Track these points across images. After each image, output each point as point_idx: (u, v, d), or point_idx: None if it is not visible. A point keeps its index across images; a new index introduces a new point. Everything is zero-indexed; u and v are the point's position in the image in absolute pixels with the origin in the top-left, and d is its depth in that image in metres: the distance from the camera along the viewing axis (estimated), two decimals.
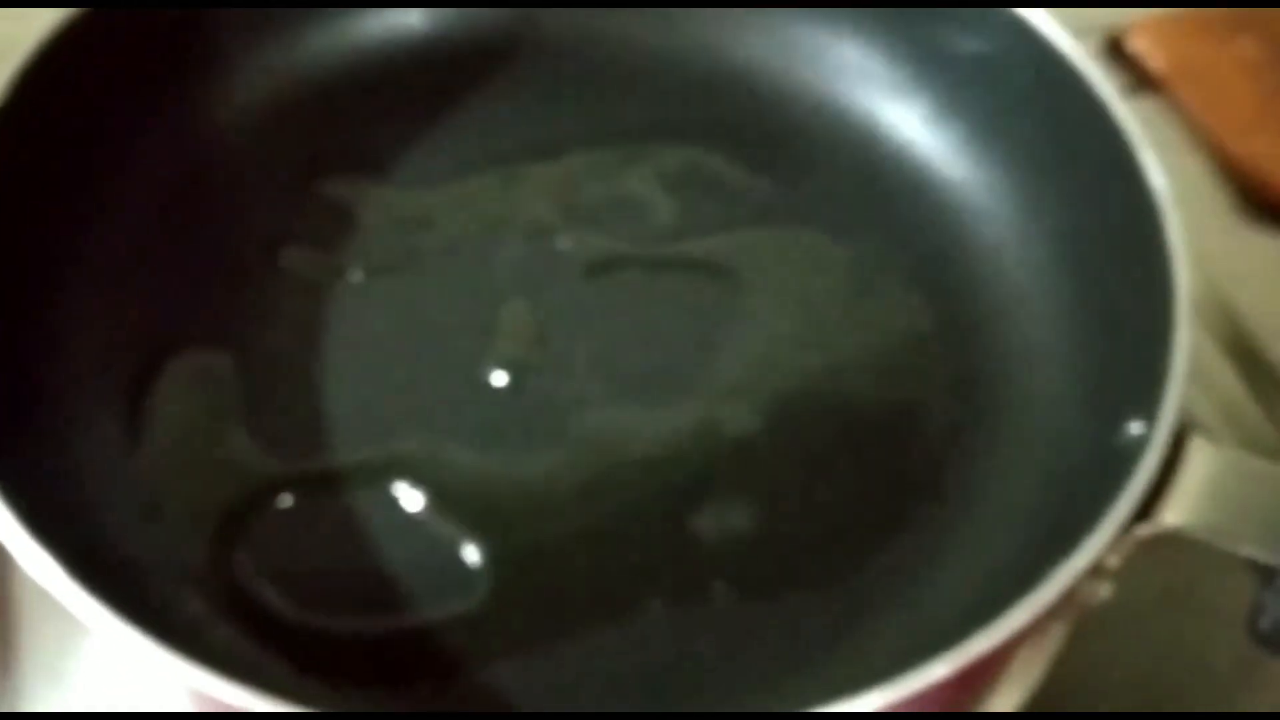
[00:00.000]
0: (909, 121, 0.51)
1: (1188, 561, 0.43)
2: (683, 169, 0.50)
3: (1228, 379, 0.53)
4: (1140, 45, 0.61)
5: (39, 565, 0.34)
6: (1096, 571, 0.36)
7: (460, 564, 0.41)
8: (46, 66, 0.43)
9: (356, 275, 0.47)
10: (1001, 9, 0.47)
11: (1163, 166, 0.42)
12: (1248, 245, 0.58)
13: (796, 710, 0.33)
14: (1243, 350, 0.54)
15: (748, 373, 0.45)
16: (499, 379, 0.45)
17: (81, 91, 0.45)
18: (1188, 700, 0.44)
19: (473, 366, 0.45)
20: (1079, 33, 0.46)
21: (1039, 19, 0.46)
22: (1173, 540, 0.37)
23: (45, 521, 0.35)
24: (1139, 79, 0.60)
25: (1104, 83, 0.45)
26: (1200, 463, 0.37)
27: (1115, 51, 0.61)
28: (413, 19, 0.52)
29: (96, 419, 0.43)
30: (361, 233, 0.48)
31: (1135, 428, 0.38)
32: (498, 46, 0.52)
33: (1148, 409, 0.38)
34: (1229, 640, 0.39)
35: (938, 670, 0.33)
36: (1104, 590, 0.37)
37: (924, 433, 0.44)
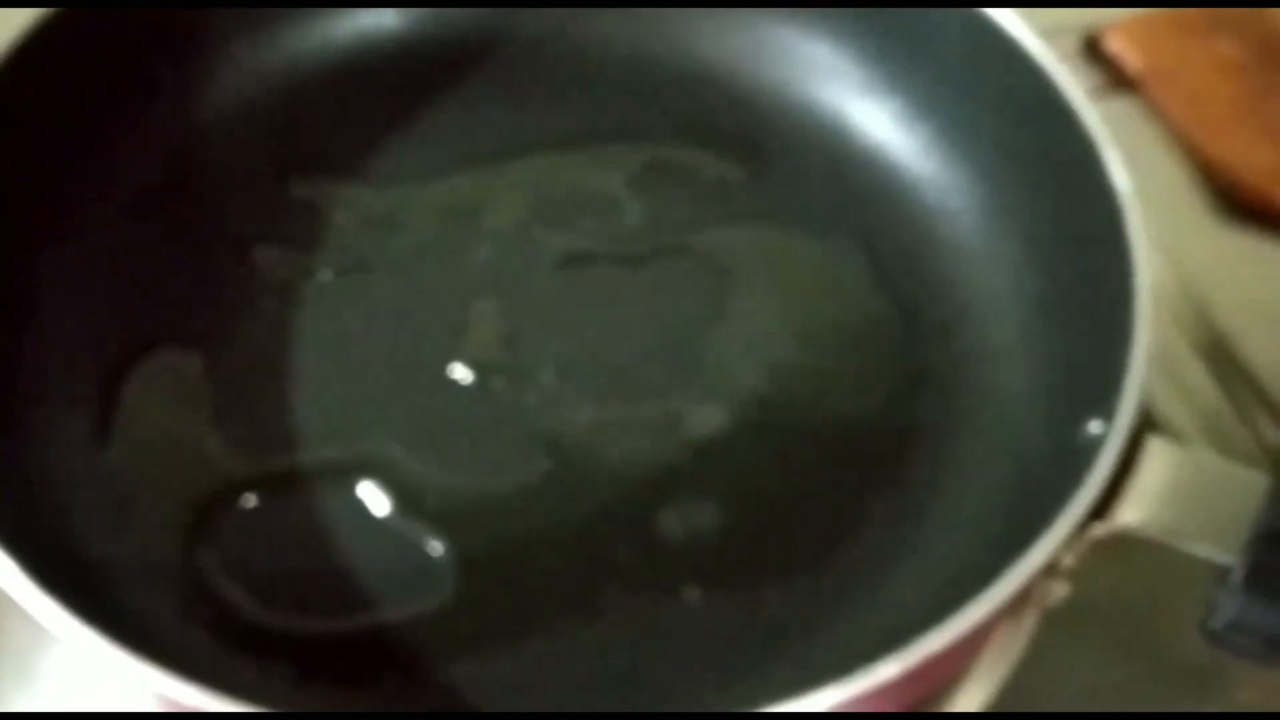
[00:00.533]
0: (878, 121, 0.51)
1: (1149, 562, 0.43)
2: (652, 167, 0.51)
3: (1201, 379, 0.53)
4: (1117, 45, 0.61)
5: (3, 570, 0.34)
6: (1053, 571, 0.36)
7: (425, 563, 0.42)
8: (19, 67, 0.43)
9: (327, 275, 0.47)
10: (970, 10, 0.47)
11: (1137, 167, 0.42)
12: (1223, 245, 0.58)
13: (755, 710, 0.33)
14: (1216, 350, 0.54)
15: (713, 371, 0.46)
16: (466, 378, 0.45)
17: (53, 92, 0.45)
18: (1151, 701, 0.44)
19: (441, 366, 0.45)
20: (1055, 32, 0.47)
21: (1007, 20, 0.46)
22: (1133, 541, 0.37)
23: (10, 524, 0.35)
24: (1116, 79, 0.60)
25: (1070, 83, 0.45)
26: (1157, 463, 0.38)
27: (1093, 51, 0.61)
28: (386, 19, 0.52)
29: (65, 419, 0.43)
30: (332, 232, 0.48)
31: (1095, 427, 0.39)
32: (471, 46, 0.52)
33: (1106, 408, 0.38)
34: (1190, 641, 0.39)
35: (888, 670, 0.33)
36: (1060, 590, 0.37)
37: (887, 430, 0.45)
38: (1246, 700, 0.44)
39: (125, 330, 0.45)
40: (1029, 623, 0.42)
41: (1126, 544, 0.38)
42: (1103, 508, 0.37)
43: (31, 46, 0.44)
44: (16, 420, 0.42)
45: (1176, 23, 0.62)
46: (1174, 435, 0.39)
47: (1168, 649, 0.44)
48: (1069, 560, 0.37)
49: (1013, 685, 0.42)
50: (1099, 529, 0.37)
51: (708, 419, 0.45)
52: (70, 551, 0.40)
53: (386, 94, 0.51)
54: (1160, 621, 0.45)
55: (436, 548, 0.42)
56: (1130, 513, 0.37)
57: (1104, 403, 0.38)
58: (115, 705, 0.43)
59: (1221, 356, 0.54)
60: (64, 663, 0.44)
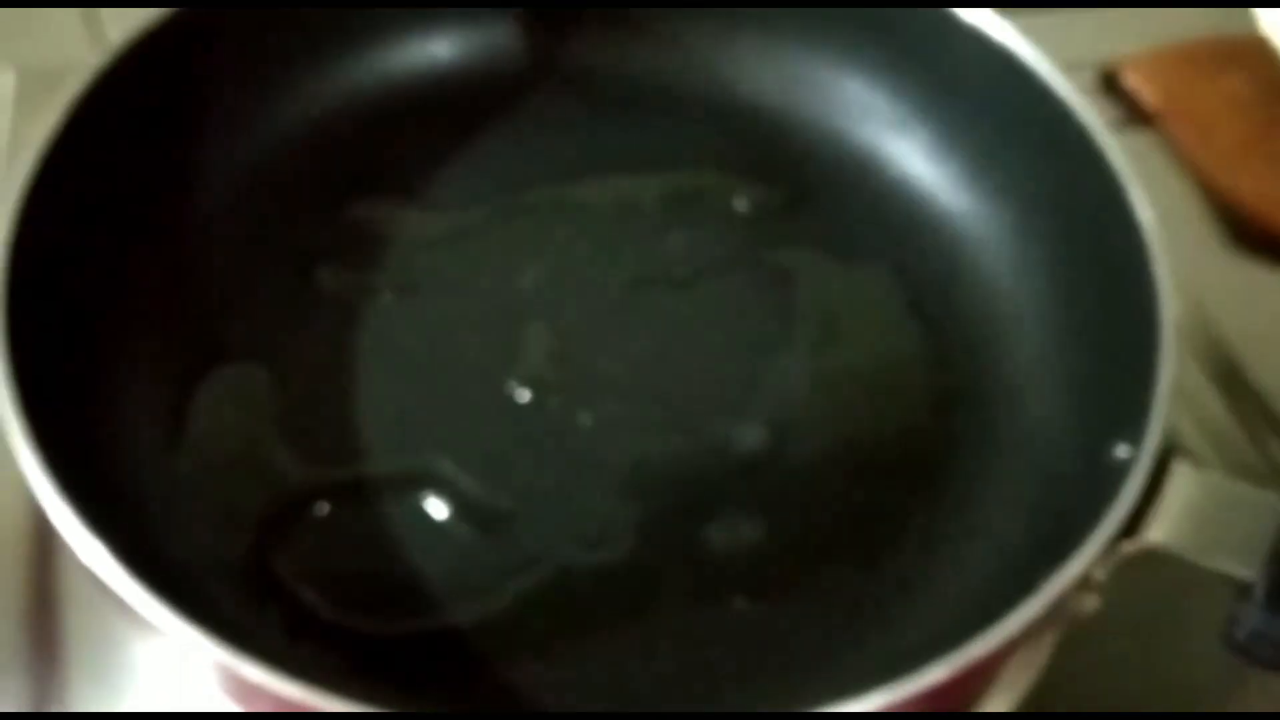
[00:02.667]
0: (910, 154, 0.53)
1: (1170, 577, 0.45)
2: (692, 195, 0.53)
3: (1214, 405, 0.55)
4: (1133, 80, 0.63)
5: (97, 561, 0.36)
6: (1085, 584, 0.38)
7: (485, 570, 0.44)
8: (95, 97, 0.45)
9: (386, 294, 0.49)
10: (996, 48, 0.49)
11: (1154, 198, 0.45)
12: (1235, 276, 0.60)
13: (805, 710, 0.35)
14: (1229, 377, 0.56)
15: (756, 391, 0.48)
16: (522, 397, 0.47)
17: (127, 118, 0.47)
18: (1169, 709, 0.46)
19: (497, 385, 0.47)
20: (1074, 68, 0.48)
21: (1033, 58, 0.49)
22: (1155, 556, 0.40)
23: (100, 521, 0.37)
24: (1132, 113, 0.63)
25: (1095, 119, 0.47)
26: (1182, 484, 0.40)
27: (1110, 86, 0.63)
28: (440, 49, 0.54)
29: (142, 427, 0.45)
30: (390, 253, 0.50)
31: (1122, 450, 0.41)
32: (518, 77, 0.54)
33: (1134, 433, 0.40)
34: (1211, 652, 0.41)
35: (936, 673, 0.35)
36: (1091, 602, 0.39)
37: (921, 449, 0.47)
38: (1262, 707, 0.46)
39: (195, 343, 0.47)
40: (1053, 634, 0.44)
41: (1151, 559, 0.40)
42: (1131, 526, 0.39)
43: (115, 70, 0.46)
44: (97, 424, 0.44)
45: (1189, 59, 0.65)
46: (1189, 457, 0.41)
47: (1191, 660, 0.46)
48: (1100, 574, 0.39)
49: (1036, 696, 0.44)
50: (1128, 546, 0.39)
51: (752, 437, 0.47)
52: (149, 548, 0.41)
53: (440, 121, 0.53)
54: (1183, 633, 0.47)
55: (497, 555, 0.44)
56: (1157, 531, 0.39)
57: (1131, 428, 0.40)
58: (186, 702, 0.45)
59: (1234, 382, 0.56)
60: (138, 660, 0.46)
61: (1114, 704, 0.45)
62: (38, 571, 0.47)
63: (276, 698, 0.35)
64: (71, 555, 0.37)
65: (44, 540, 0.47)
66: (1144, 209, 0.44)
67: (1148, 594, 0.44)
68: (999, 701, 0.44)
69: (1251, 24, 0.66)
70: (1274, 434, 0.54)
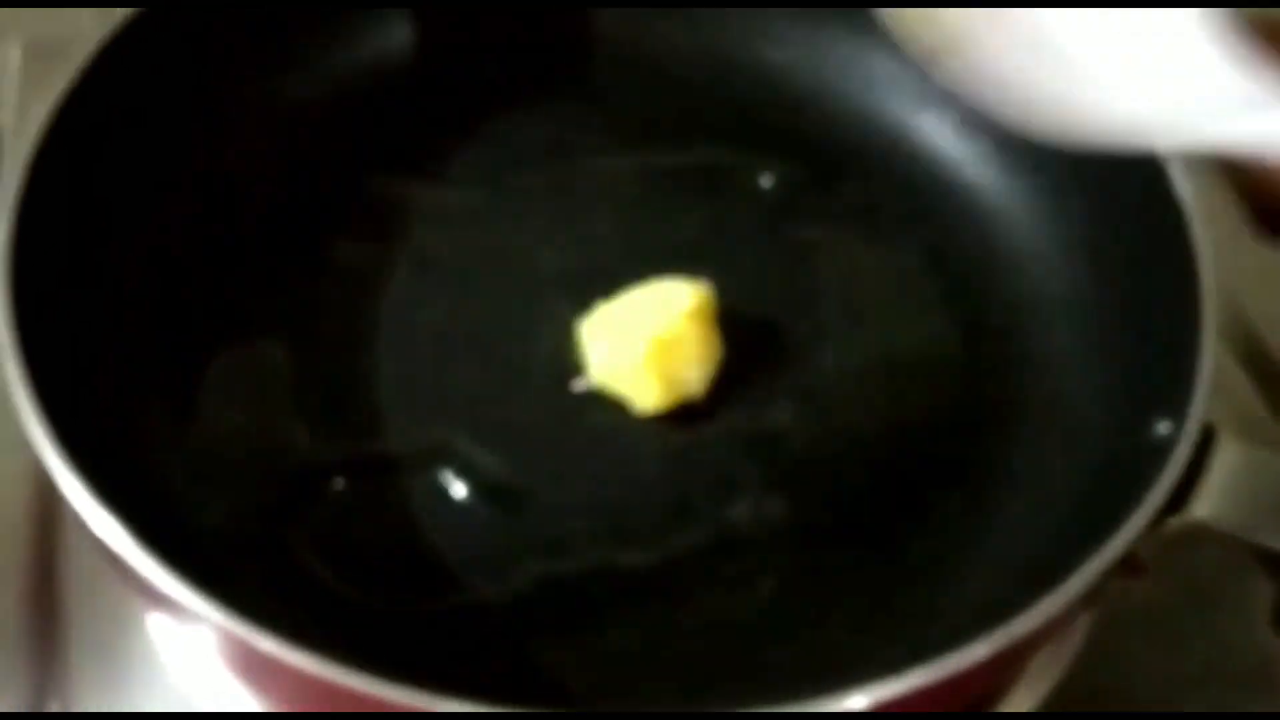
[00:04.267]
0: (940, 131, 0.52)
1: (1209, 562, 0.44)
2: (717, 169, 0.52)
3: (1244, 389, 0.54)
4: None
5: (112, 534, 0.35)
6: (1130, 562, 0.37)
7: (507, 547, 0.43)
8: (102, 69, 0.44)
9: (403, 269, 0.48)
10: None
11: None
12: (1262, 261, 0.59)
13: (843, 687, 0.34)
14: (1257, 361, 0.55)
15: (783, 371, 0.47)
16: (541, 375, 0.46)
17: (135, 90, 0.46)
18: (1209, 699, 0.45)
19: (514, 361, 0.46)
20: None
21: None
22: (1200, 533, 0.39)
23: (110, 493, 0.36)
24: None
25: None
26: (1226, 460, 0.39)
27: None
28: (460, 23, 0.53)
29: (155, 401, 0.44)
30: (408, 228, 0.49)
31: (1164, 427, 0.40)
32: (542, 50, 0.54)
33: (1176, 410, 0.39)
34: (1250, 639, 0.40)
35: (978, 650, 0.34)
36: (1139, 584, 0.38)
37: (954, 427, 0.46)
38: None
39: (209, 316, 0.46)
40: (1089, 619, 0.43)
41: (1189, 544, 0.39)
42: (1174, 503, 0.38)
43: (122, 41, 0.45)
44: (110, 399, 0.43)
45: None
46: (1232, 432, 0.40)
47: (1229, 648, 0.45)
48: (1144, 551, 0.38)
49: (1071, 681, 0.43)
50: (1173, 523, 0.38)
51: (779, 415, 0.46)
52: (164, 523, 0.40)
53: (457, 95, 0.52)
54: (1221, 621, 0.46)
55: (516, 533, 0.43)
56: (1202, 507, 0.38)
57: (1172, 404, 0.39)
58: (193, 697, 0.43)
59: (1263, 367, 0.55)
60: (144, 642, 0.44)
61: (1150, 696, 0.44)
62: (42, 554, 0.46)
63: (290, 673, 0.34)
64: (76, 538, 0.36)
65: (49, 522, 0.46)
66: (1183, 185, 0.44)
67: (1187, 581, 0.44)
68: (1031, 691, 0.43)
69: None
70: None
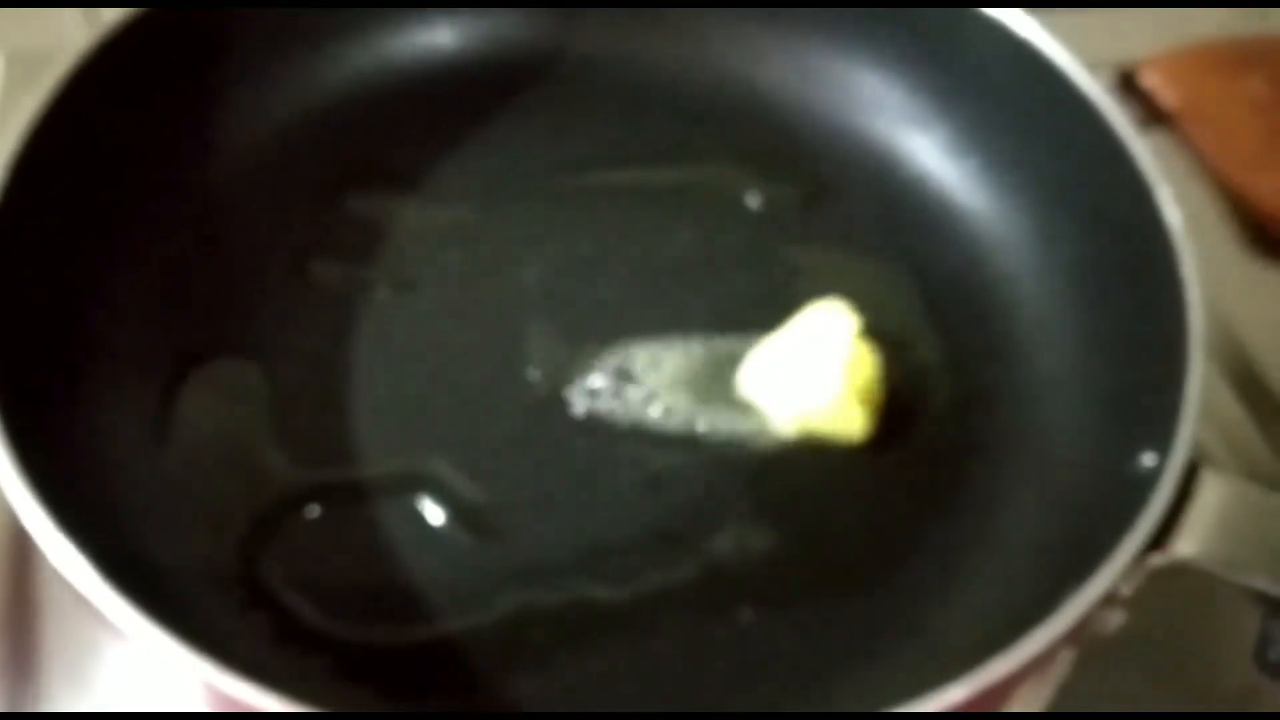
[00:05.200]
0: (927, 151, 0.52)
1: (1192, 594, 0.44)
2: (703, 189, 0.51)
3: (1232, 409, 0.54)
4: (1152, 81, 0.62)
5: (70, 565, 0.35)
6: (1110, 599, 0.37)
7: (486, 577, 0.42)
8: (85, 77, 0.44)
9: (384, 289, 0.48)
10: (1017, 42, 0.48)
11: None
12: (1254, 279, 0.59)
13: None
14: (1247, 381, 0.55)
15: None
16: (522, 398, 0.46)
17: (118, 101, 0.46)
18: None
19: (496, 383, 0.46)
20: (1090, 67, 0.47)
21: (1056, 53, 0.47)
22: (1178, 572, 0.38)
23: (76, 522, 0.35)
24: (1150, 113, 0.61)
25: (1120, 118, 0.46)
26: (1211, 495, 0.38)
27: (1127, 86, 0.62)
28: (443, 36, 0.53)
29: (125, 423, 0.43)
30: (388, 247, 0.49)
31: (1148, 459, 0.39)
32: (524, 66, 0.53)
33: (1160, 442, 0.39)
34: (1233, 671, 0.39)
35: (955, 693, 0.34)
36: (1117, 617, 0.38)
37: (937, 456, 0.45)
38: None
39: (182, 337, 0.46)
40: (1073, 650, 0.43)
41: (1173, 575, 0.39)
42: (1158, 539, 0.37)
43: (99, 57, 0.44)
44: (80, 423, 0.42)
45: (1207, 60, 0.63)
46: (1218, 466, 0.39)
47: (1212, 679, 0.45)
48: (1126, 589, 0.37)
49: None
50: (1156, 559, 0.37)
51: (762, 442, 0.45)
52: (130, 553, 0.40)
53: (443, 111, 0.52)
54: (1205, 652, 0.45)
55: (496, 562, 0.42)
56: (1186, 544, 0.38)
57: (1157, 436, 0.39)
58: (164, 706, 0.43)
59: (1253, 387, 0.55)
60: (114, 664, 0.44)
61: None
62: (15, 571, 0.46)
63: (259, 712, 0.33)
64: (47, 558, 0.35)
65: (21, 539, 0.45)
66: (1172, 211, 0.43)
67: (1170, 612, 0.43)
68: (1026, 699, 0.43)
69: (1271, 25, 0.65)
70: None
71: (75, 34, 0.45)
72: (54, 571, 0.35)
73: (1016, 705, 0.43)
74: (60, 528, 0.35)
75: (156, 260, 0.47)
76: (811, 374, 0.44)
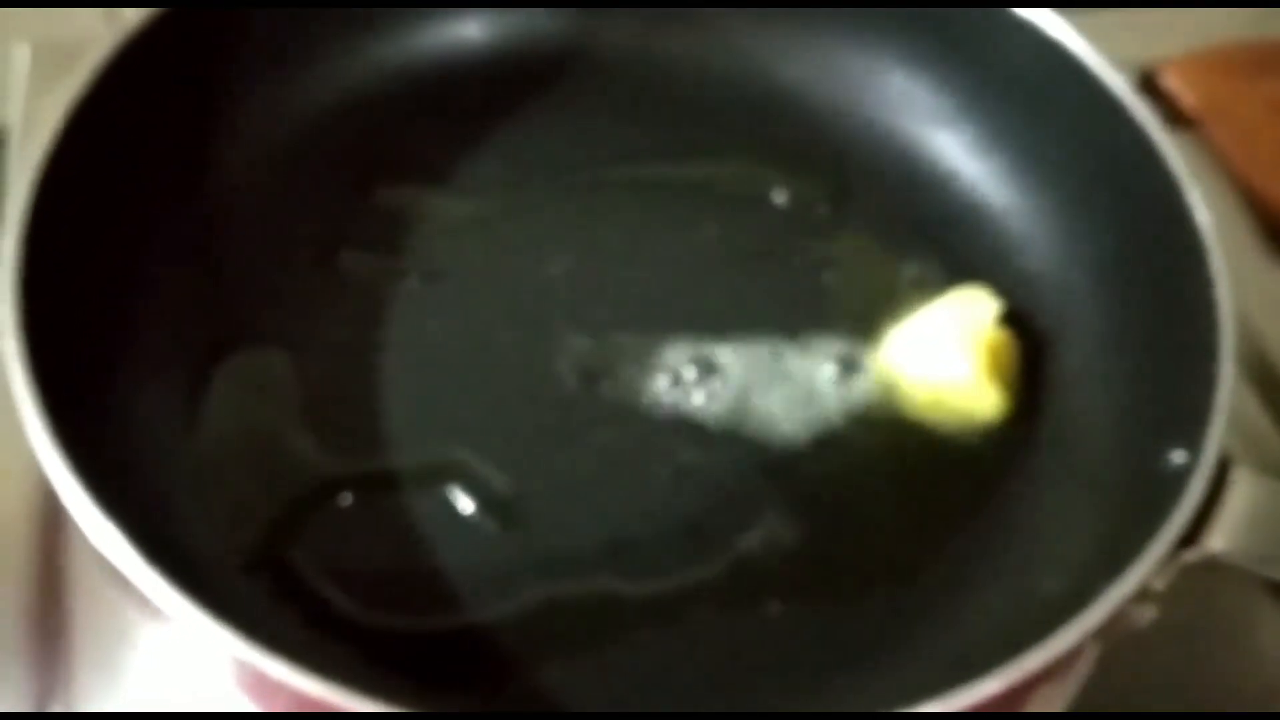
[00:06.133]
0: (954, 149, 0.52)
1: (1216, 594, 0.44)
2: (729, 186, 0.51)
3: (1252, 409, 0.54)
4: (1173, 83, 0.62)
5: (111, 546, 0.35)
6: (1143, 595, 0.37)
7: (515, 567, 0.42)
8: (114, 74, 0.44)
9: (413, 281, 0.48)
10: (1043, 40, 0.48)
11: None
12: (1274, 280, 0.59)
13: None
14: (1267, 383, 0.55)
15: (795, 388, 0.46)
16: (551, 390, 0.46)
17: (148, 96, 0.46)
18: None
19: (526, 375, 0.46)
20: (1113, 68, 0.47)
21: (1084, 52, 0.47)
22: (1213, 567, 0.38)
23: (113, 504, 0.36)
24: (1171, 115, 0.61)
25: (1148, 117, 0.46)
26: (1241, 492, 0.38)
27: (1149, 88, 0.62)
28: (470, 31, 0.53)
29: (159, 412, 0.43)
30: (416, 238, 0.49)
31: (1178, 456, 0.39)
32: (555, 60, 0.53)
33: (1191, 439, 0.39)
34: (1255, 671, 0.39)
35: (989, 686, 0.34)
36: (1149, 613, 0.38)
37: (965, 451, 0.46)
38: None
39: (215, 327, 0.46)
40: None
41: (1199, 572, 0.39)
42: (1190, 535, 0.37)
43: (133, 47, 0.45)
44: (115, 410, 0.42)
45: (1229, 62, 0.63)
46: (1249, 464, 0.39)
47: (1234, 680, 0.45)
48: (1159, 584, 0.37)
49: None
50: (1188, 555, 0.37)
51: (790, 438, 0.45)
52: (164, 537, 0.39)
53: (471, 104, 0.52)
54: (1226, 652, 0.45)
55: (524, 553, 0.42)
56: (1217, 540, 0.38)
57: (1188, 433, 0.39)
58: (195, 699, 0.43)
59: (1270, 386, 0.55)
60: (147, 650, 0.44)
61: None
62: (44, 557, 0.46)
63: (292, 694, 0.33)
64: (78, 542, 0.36)
65: (51, 526, 0.46)
66: (1201, 210, 0.43)
67: (1192, 613, 0.43)
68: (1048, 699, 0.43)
69: None
70: None
71: (100, 28, 0.45)
72: (85, 557, 0.35)
73: (1038, 703, 0.43)
74: (104, 512, 0.35)
75: (187, 252, 0.47)
76: (952, 350, 0.45)
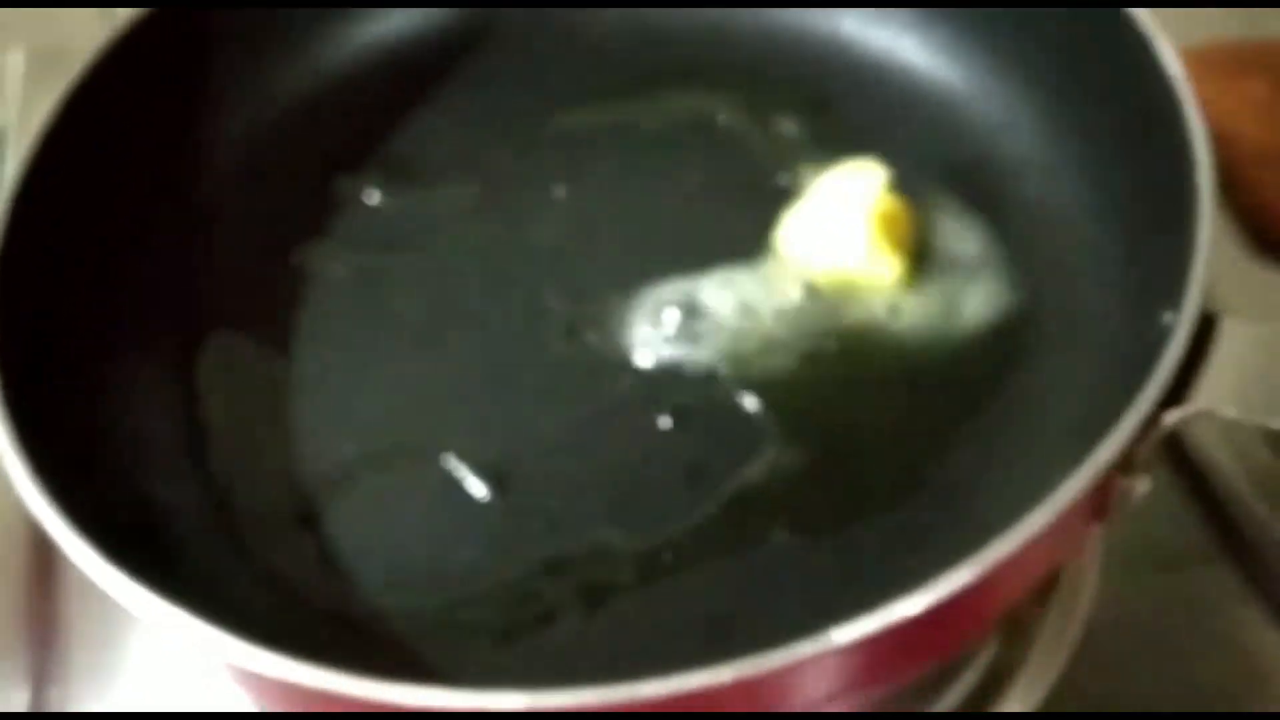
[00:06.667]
0: (928, 50, 0.51)
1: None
2: (697, 118, 0.51)
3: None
4: None
5: (86, 561, 0.35)
6: (1131, 463, 0.36)
7: (513, 533, 0.42)
8: (92, 81, 0.45)
9: (394, 266, 0.48)
10: None
11: None
12: (1255, 281, 0.57)
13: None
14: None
15: (785, 308, 0.46)
16: (543, 353, 0.46)
17: (124, 99, 0.46)
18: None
19: (516, 342, 0.46)
20: None
21: None
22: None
23: (94, 523, 0.36)
24: None
25: None
26: (1231, 344, 0.37)
27: None
28: (417, 19, 0.53)
29: (141, 406, 0.44)
30: (382, 227, 0.49)
31: (1168, 318, 0.38)
32: (494, 31, 0.53)
33: (1175, 297, 0.37)
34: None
35: (996, 550, 0.33)
36: (1142, 485, 0.37)
37: (961, 345, 0.45)
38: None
39: (196, 319, 0.47)
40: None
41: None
42: (1176, 394, 0.36)
43: (119, 48, 0.46)
44: (90, 398, 0.43)
45: (1209, 61, 0.61)
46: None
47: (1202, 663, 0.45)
48: (1144, 450, 0.36)
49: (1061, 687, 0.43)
50: (1173, 414, 0.36)
51: (783, 361, 0.45)
52: (147, 526, 0.41)
53: (424, 88, 0.52)
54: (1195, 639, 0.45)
55: (526, 518, 0.42)
56: (1206, 396, 0.36)
57: (1174, 292, 0.38)
58: (189, 699, 0.44)
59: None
60: (140, 651, 0.45)
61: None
62: (37, 558, 0.47)
63: (294, 690, 0.33)
64: None
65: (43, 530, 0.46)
66: (1173, 63, 0.42)
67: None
68: (1030, 692, 0.43)
69: (1272, 27, 0.63)
70: None
71: (93, 30, 0.46)
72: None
73: (1021, 693, 0.43)
74: (75, 527, 0.35)
75: (165, 250, 0.47)
76: (843, 224, 0.45)
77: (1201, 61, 0.60)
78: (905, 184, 0.47)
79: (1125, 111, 0.44)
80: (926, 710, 0.42)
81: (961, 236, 0.47)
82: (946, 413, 0.44)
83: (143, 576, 0.34)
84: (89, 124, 0.44)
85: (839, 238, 0.45)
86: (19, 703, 0.44)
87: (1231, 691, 0.45)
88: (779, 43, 0.52)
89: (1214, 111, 0.58)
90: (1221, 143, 0.57)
